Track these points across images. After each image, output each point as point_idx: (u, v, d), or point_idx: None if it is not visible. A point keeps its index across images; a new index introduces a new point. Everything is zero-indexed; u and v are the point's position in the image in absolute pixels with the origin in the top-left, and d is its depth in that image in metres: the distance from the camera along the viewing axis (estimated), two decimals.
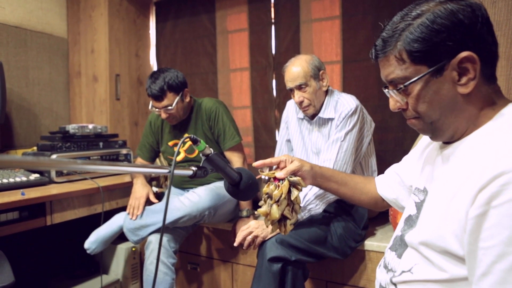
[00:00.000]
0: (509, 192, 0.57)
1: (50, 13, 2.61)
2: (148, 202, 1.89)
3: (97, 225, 1.84)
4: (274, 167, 1.10)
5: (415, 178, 0.94)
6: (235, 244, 1.54)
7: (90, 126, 2.23)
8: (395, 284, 0.80)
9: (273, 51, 2.51)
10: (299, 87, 1.62)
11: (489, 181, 0.60)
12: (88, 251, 1.80)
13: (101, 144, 2.25)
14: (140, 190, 1.89)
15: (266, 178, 1.05)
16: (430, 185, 0.82)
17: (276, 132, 2.53)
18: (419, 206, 0.83)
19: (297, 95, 1.63)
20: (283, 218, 1.02)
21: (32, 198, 1.59)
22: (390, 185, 1.07)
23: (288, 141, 1.90)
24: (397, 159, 1.10)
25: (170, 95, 1.82)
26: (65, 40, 2.72)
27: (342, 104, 1.61)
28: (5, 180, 1.71)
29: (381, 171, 1.29)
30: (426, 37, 0.69)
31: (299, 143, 1.81)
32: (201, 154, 0.87)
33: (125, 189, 2.05)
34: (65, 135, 2.11)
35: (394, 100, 0.78)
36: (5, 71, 2.12)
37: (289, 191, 1.00)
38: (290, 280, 1.40)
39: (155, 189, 2.15)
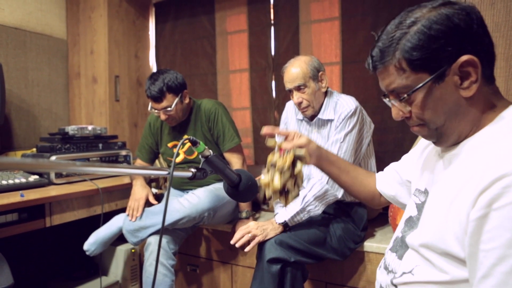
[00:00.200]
0: (510, 194, 0.57)
1: (50, 14, 2.61)
2: (148, 204, 1.88)
3: (97, 226, 1.84)
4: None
5: (413, 175, 0.95)
6: (232, 241, 1.54)
7: (90, 127, 2.23)
8: (395, 286, 0.80)
9: (273, 52, 2.51)
10: (298, 88, 1.62)
11: (491, 183, 0.60)
12: (87, 253, 1.79)
13: (100, 145, 2.25)
14: (140, 191, 1.89)
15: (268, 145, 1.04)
16: (431, 186, 0.82)
17: None
18: (420, 207, 0.83)
19: (296, 96, 1.63)
20: (284, 191, 1.01)
21: (31, 199, 1.59)
22: (389, 182, 1.07)
23: None
24: (397, 160, 1.11)
25: (169, 96, 1.82)
26: (65, 41, 2.72)
27: (342, 105, 1.61)
28: (4, 182, 1.71)
29: None
30: (424, 44, 0.68)
31: None
32: (200, 156, 0.87)
33: (125, 191, 2.04)
34: (65, 137, 2.11)
35: (397, 109, 0.77)
36: (4, 72, 2.12)
37: (293, 164, 1.00)
38: (289, 281, 1.39)
39: (154, 190, 2.15)
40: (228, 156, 1.94)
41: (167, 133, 2.01)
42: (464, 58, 0.67)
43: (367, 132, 1.67)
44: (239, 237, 1.53)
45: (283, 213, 1.52)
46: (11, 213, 1.57)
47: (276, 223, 1.52)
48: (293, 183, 1.00)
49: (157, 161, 2.31)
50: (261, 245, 1.48)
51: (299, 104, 1.64)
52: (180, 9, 2.83)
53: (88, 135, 2.21)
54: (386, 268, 0.86)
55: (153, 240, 1.76)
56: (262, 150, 2.59)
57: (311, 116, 1.70)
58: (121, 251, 2.17)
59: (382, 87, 0.78)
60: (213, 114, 1.92)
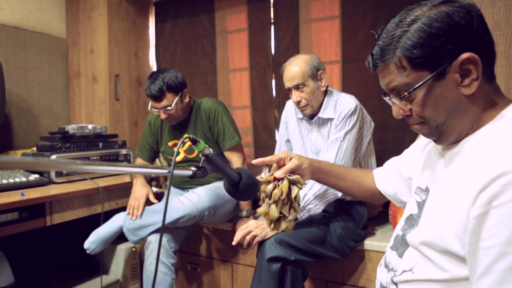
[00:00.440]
0: (510, 192, 0.57)
1: (49, 13, 2.61)
2: (148, 202, 1.89)
3: (97, 225, 1.84)
4: (274, 165, 1.10)
5: (414, 173, 0.95)
6: (234, 243, 1.54)
7: (90, 126, 2.23)
8: (396, 284, 0.80)
9: (273, 51, 2.51)
10: (297, 87, 1.62)
11: (491, 181, 0.60)
12: (88, 251, 1.80)
13: (100, 144, 2.25)
14: (140, 190, 1.89)
15: (267, 173, 1.05)
16: (432, 184, 0.82)
17: (276, 132, 2.53)
18: (420, 205, 0.83)
19: (295, 95, 1.63)
20: (283, 216, 1.02)
21: (31, 198, 1.59)
22: (389, 179, 1.07)
23: (288, 141, 1.90)
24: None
25: (169, 95, 1.82)
26: (65, 40, 2.72)
27: (342, 104, 1.61)
28: (4, 181, 1.71)
29: None
30: (425, 42, 0.68)
31: (299, 143, 1.81)
32: (200, 155, 0.87)
33: (125, 190, 2.04)
34: (65, 136, 2.11)
35: (397, 107, 0.77)
36: (4, 72, 2.12)
37: (289, 189, 1.00)
38: (289, 280, 1.39)
39: (154, 189, 2.15)
40: (228, 155, 1.94)
41: (167, 132, 2.01)
42: (465, 55, 0.68)
43: (367, 131, 1.67)
44: (239, 239, 1.53)
45: None
46: (11, 212, 1.58)
47: None
48: (288, 208, 1.00)
49: (157, 160, 2.31)
50: (261, 243, 1.48)
51: (297, 103, 1.64)
52: (180, 8, 2.83)
53: (88, 134, 2.21)
54: (386, 266, 0.86)
55: (154, 239, 1.76)
56: (262, 149, 2.59)
57: (311, 115, 1.70)
58: (122, 249, 2.17)
59: (382, 85, 0.78)
60: (213, 113, 1.92)
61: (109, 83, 2.62)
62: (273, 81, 2.52)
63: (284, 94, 2.42)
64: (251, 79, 2.60)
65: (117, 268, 2.19)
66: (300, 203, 1.06)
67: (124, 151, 2.34)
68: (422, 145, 0.96)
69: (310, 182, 1.53)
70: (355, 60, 2.23)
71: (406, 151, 1.06)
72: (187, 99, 1.91)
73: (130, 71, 2.80)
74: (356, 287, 1.68)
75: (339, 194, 1.54)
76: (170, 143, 2.01)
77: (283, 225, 1.02)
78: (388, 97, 0.79)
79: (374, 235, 1.75)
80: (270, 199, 0.99)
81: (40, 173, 1.90)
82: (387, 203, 1.79)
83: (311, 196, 1.49)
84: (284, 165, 1.05)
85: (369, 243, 1.66)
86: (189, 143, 0.83)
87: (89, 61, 2.67)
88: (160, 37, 2.95)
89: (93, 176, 2.03)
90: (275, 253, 1.38)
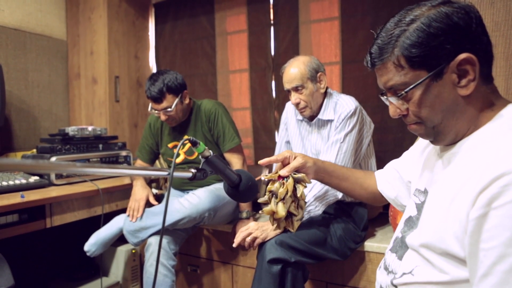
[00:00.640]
0: (510, 193, 0.57)
1: (49, 15, 2.61)
2: (148, 204, 1.88)
3: (97, 227, 1.84)
4: (275, 165, 1.10)
5: (414, 176, 0.95)
6: (234, 245, 1.54)
7: (90, 128, 2.23)
8: (395, 286, 0.80)
9: (272, 52, 2.51)
10: (296, 89, 1.62)
11: (490, 182, 0.60)
12: (88, 254, 1.80)
13: (100, 146, 2.25)
14: (140, 192, 1.89)
15: (267, 173, 1.06)
16: (430, 186, 0.82)
17: (276, 133, 2.53)
18: (419, 207, 0.83)
19: (294, 97, 1.64)
20: (289, 215, 1.02)
21: (31, 200, 1.59)
22: (390, 181, 1.07)
23: (288, 142, 1.90)
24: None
25: (169, 97, 1.82)
26: (64, 42, 2.72)
27: (341, 106, 1.61)
28: (4, 183, 1.71)
29: None
30: (423, 41, 0.69)
31: (299, 145, 1.80)
32: (200, 156, 0.87)
33: (125, 191, 2.04)
34: (65, 137, 2.11)
35: (394, 106, 0.78)
36: (4, 74, 2.12)
37: (294, 188, 1.00)
38: (290, 281, 1.39)
39: (154, 191, 2.15)
40: (228, 156, 1.94)
41: (167, 134, 2.01)
42: (463, 56, 0.68)
43: (367, 132, 1.67)
44: (240, 241, 1.53)
45: None
46: (11, 214, 1.57)
47: None
48: (296, 206, 1.01)
49: (157, 162, 2.31)
50: (262, 245, 1.48)
51: (296, 105, 1.65)
52: (180, 10, 2.83)
53: (88, 136, 2.21)
54: (386, 268, 0.86)
55: (154, 241, 1.76)
56: (262, 150, 2.59)
57: (311, 116, 1.70)
58: (122, 251, 2.17)
59: (380, 84, 0.78)
60: (213, 115, 1.92)
61: (109, 84, 2.62)
62: (273, 82, 2.52)
63: (284, 95, 2.42)
64: (251, 80, 2.60)
65: (117, 270, 2.19)
66: (306, 201, 1.06)
67: (124, 153, 2.34)
68: (421, 147, 0.96)
69: (311, 182, 1.53)
70: (355, 61, 2.23)
71: (405, 154, 1.06)
72: (187, 101, 1.91)
73: (130, 73, 2.80)
74: None
75: (339, 196, 1.54)
76: (170, 145, 2.01)
77: (289, 224, 1.02)
78: (385, 97, 0.79)
79: (374, 237, 1.75)
80: (276, 197, 0.99)
81: (40, 175, 1.90)
82: (387, 205, 1.79)
83: (311, 198, 1.49)
84: (288, 164, 1.05)
85: (370, 245, 1.66)
86: (189, 144, 0.83)
87: (89, 63, 2.67)
88: (160, 38, 2.95)
89: (93, 178, 2.03)
90: (275, 255, 1.38)
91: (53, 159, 1.93)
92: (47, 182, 1.88)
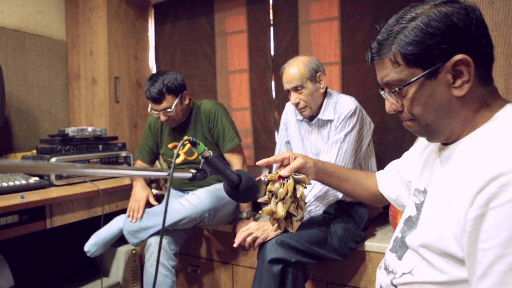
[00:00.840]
0: (507, 193, 0.58)
1: (49, 16, 2.61)
2: (148, 205, 1.89)
3: (97, 227, 1.84)
4: (275, 165, 1.10)
5: (414, 176, 0.95)
6: (235, 245, 1.54)
7: (90, 128, 2.23)
8: (395, 286, 0.80)
9: (272, 53, 2.51)
10: (295, 89, 1.63)
11: (487, 182, 0.60)
12: (88, 254, 1.80)
13: (100, 146, 2.25)
14: (140, 192, 1.89)
15: (267, 173, 1.06)
16: (429, 186, 0.82)
17: (276, 133, 2.53)
18: (419, 207, 0.83)
19: (293, 97, 1.64)
20: (289, 216, 1.02)
21: (31, 201, 1.59)
22: (390, 182, 1.07)
23: (288, 142, 1.90)
24: (397, 159, 1.10)
25: (169, 97, 1.82)
26: (64, 43, 2.72)
27: (341, 106, 1.62)
28: (4, 184, 1.71)
29: None
30: (420, 40, 0.69)
31: (299, 145, 1.81)
32: (200, 157, 0.87)
33: (125, 192, 2.04)
34: (65, 138, 2.11)
35: (390, 102, 0.79)
36: (4, 75, 2.12)
37: (294, 188, 1.00)
38: (290, 281, 1.39)
39: (154, 191, 2.15)
40: (228, 156, 1.94)
41: (167, 134, 2.01)
42: (458, 57, 0.68)
43: (367, 132, 1.67)
44: (240, 241, 1.53)
45: None
46: (11, 215, 1.57)
47: None
48: (295, 207, 1.01)
49: (157, 162, 2.31)
50: (262, 245, 1.48)
51: (296, 105, 1.65)
52: (179, 10, 2.83)
53: (88, 137, 2.21)
54: (386, 268, 0.86)
55: (154, 241, 1.76)
56: (262, 151, 2.59)
57: (311, 116, 1.70)
58: (122, 252, 2.17)
59: (378, 79, 0.79)
60: (213, 115, 1.92)
61: (109, 85, 2.62)
62: (273, 83, 2.52)
63: (284, 95, 2.42)
64: (251, 81, 2.60)
65: (117, 270, 2.19)
66: (305, 201, 1.06)
67: (124, 153, 2.34)
68: (421, 147, 0.96)
69: (311, 183, 1.53)
70: (355, 61, 2.24)
71: (405, 154, 1.06)
72: (186, 101, 1.91)
73: (129, 73, 2.80)
74: None
75: (340, 196, 1.54)
76: (170, 145, 2.01)
77: (289, 225, 1.02)
78: (383, 91, 0.79)
79: (374, 236, 1.75)
80: (276, 198, 0.99)
81: (40, 176, 1.90)
82: (387, 204, 1.79)
83: (311, 198, 1.49)
84: (288, 164, 1.05)
85: (370, 244, 1.66)
86: (189, 145, 0.84)
87: (89, 63, 2.67)
88: (160, 39, 2.95)
89: (93, 178, 2.03)
90: (276, 255, 1.38)
91: (53, 160, 1.93)
92: (47, 183, 1.88)
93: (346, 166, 1.56)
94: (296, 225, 1.03)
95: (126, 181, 2.09)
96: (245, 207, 1.91)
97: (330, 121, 1.64)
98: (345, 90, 2.26)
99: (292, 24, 2.42)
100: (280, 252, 1.39)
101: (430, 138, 0.80)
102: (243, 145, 2.10)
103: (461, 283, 0.67)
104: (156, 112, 1.86)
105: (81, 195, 1.81)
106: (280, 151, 1.95)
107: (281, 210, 0.98)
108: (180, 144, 0.82)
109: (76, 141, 2.14)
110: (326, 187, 1.50)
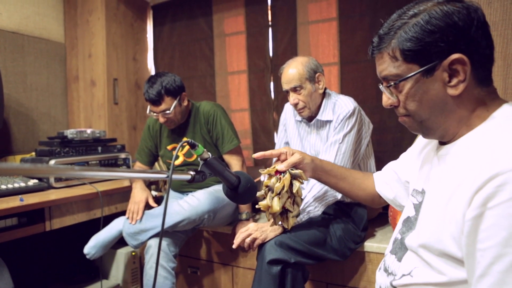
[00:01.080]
0: (505, 193, 0.58)
1: (47, 18, 2.61)
2: (148, 206, 1.88)
3: (97, 230, 1.84)
4: (274, 160, 1.11)
5: (412, 176, 0.95)
6: (234, 246, 1.54)
7: (89, 130, 2.23)
8: (395, 287, 0.80)
9: (271, 54, 2.51)
10: (294, 90, 1.63)
11: (485, 182, 0.60)
12: (87, 256, 1.79)
13: (99, 148, 2.25)
14: (139, 194, 1.89)
15: (266, 177, 1.05)
16: (427, 186, 0.82)
17: (275, 134, 2.53)
18: (417, 208, 0.83)
19: (292, 97, 1.64)
20: (284, 211, 1.02)
21: (31, 204, 1.58)
22: (388, 183, 1.07)
23: (287, 143, 1.90)
24: (396, 160, 1.11)
25: (167, 99, 1.81)
26: (63, 45, 2.72)
27: (340, 106, 1.62)
28: (3, 186, 1.71)
29: None
30: (419, 36, 0.70)
31: (298, 146, 1.81)
32: (199, 159, 0.87)
33: (124, 194, 2.04)
34: (64, 140, 2.10)
35: (387, 96, 0.79)
36: (2, 77, 2.11)
37: (291, 184, 1.01)
38: (290, 282, 1.39)
39: (154, 193, 2.15)
40: (228, 158, 1.94)
41: (166, 136, 2.01)
42: (455, 56, 0.68)
43: (366, 133, 1.67)
44: (239, 242, 1.53)
45: None
46: (10, 217, 1.57)
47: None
48: (291, 203, 1.01)
49: (156, 164, 2.31)
50: (261, 246, 1.48)
51: (295, 105, 1.65)
52: (178, 11, 2.83)
53: (87, 139, 2.21)
54: (385, 270, 0.86)
55: (153, 243, 1.76)
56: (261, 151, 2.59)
57: (310, 117, 1.70)
58: (122, 254, 2.17)
59: (377, 73, 0.80)
60: (212, 116, 1.92)
61: (108, 87, 2.62)
62: (272, 84, 2.52)
63: (283, 96, 2.42)
64: (250, 82, 2.60)
65: (117, 272, 2.18)
66: (302, 198, 1.06)
67: (123, 155, 2.34)
68: (419, 148, 0.96)
69: (310, 184, 1.53)
70: (353, 61, 2.24)
71: (403, 155, 1.06)
72: (185, 103, 1.91)
73: (128, 75, 2.80)
74: None
75: (339, 196, 1.54)
76: (169, 147, 2.01)
77: (285, 220, 1.02)
78: (381, 85, 0.80)
79: (374, 237, 1.75)
80: (272, 192, 0.99)
81: (39, 178, 1.90)
82: (386, 205, 1.79)
83: (310, 198, 1.49)
84: (286, 160, 1.05)
85: (369, 245, 1.66)
86: (188, 146, 0.84)
87: (88, 65, 2.67)
88: (158, 40, 2.95)
89: (92, 180, 2.03)
90: (275, 256, 1.38)
91: (52, 162, 1.93)
92: (46, 185, 1.88)
93: (345, 166, 1.56)
94: (291, 221, 1.03)
95: (126, 183, 2.09)
96: (244, 208, 1.91)
97: (329, 121, 1.64)
98: (344, 90, 2.26)
99: (291, 25, 2.43)
100: (279, 253, 1.39)
101: (425, 135, 0.81)
102: (242, 146, 2.10)
103: (460, 284, 0.67)
104: (154, 114, 1.86)
105: (80, 197, 1.81)
106: None
107: (276, 205, 0.98)
108: (179, 145, 0.82)
109: (75, 143, 2.14)
110: (325, 188, 1.50)
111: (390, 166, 1.10)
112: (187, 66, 2.83)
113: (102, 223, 1.85)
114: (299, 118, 1.77)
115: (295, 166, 1.05)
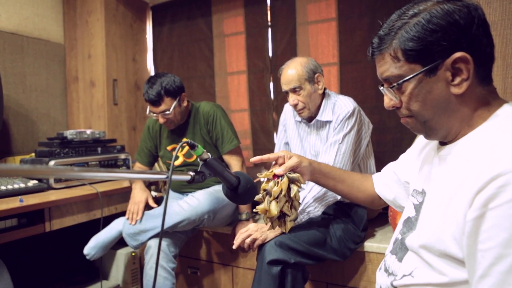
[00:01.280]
0: (506, 194, 0.57)
1: (46, 19, 2.61)
2: (147, 207, 1.88)
3: (97, 230, 1.84)
4: (272, 163, 1.10)
5: (411, 176, 0.95)
6: (234, 247, 1.54)
7: (88, 131, 2.23)
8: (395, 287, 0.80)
9: (270, 54, 2.51)
10: (294, 90, 1.63)
11: (486, 183, 0.60)
12: (87, 257, 1.79)
13: (99, 149, 2.25)
14: (139, 195, 1.89)
15: (265, 179, 1.05)
16: (428, 186, 0.82)
17: (274, 134, 2.53)
18: (417, 208, 0.83)
19: (292, 98, 1.64)
20: (282, 215, 1.02)
21: (30, 204, 1.58)
22: (388, 184, 1.07)
23: (287, 143, 1.90)
24: (395, 160, 1.11)
25: (167, 100, 1.81)
26: (62, 45, 2.72)
27: (340, 107, 1.62)
28: (3, 187, 1.70)
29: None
30: (421, 36, 0.69)
31: (297, 146, 1.81)
32: (198, 159, 0.87)
33: (124, 194, 2.04)
34: (63, 141, 2.10)
35: (389, 98, 0.79)
36: (2, 78, 2.11)
37: (288, 188, 1.00)
38: (290, 282, 1.39)
39: (154, 193, 2.15)
40: (227, 158, 1.94)
41: (166, 137, 2.01)
42: (458, 54, 0.68)
43: (365, 133, 1.67)
44: (239, 242, 1.53)
45: None
46: (10, 218, 1.57)
47: None
48: (289, 207, 1.01)
49: (156, 164, 2.31)
50: (261, 246, 1.48)
51: (294, 106, 1.65)
52: (177, 12, 2.83)
53: (86, 139, 2.20)
54: (386, 270, 0.86)
55: (153, 243, 1.76)
56: (261, 152, 2.59)
57: (310, 117, 1.70)
58: (122, 254, 2.17)
59: (378, 74, 0.79)
60: (211, 117, 1.92)
61: (107, 87, 2.62)
62: (271, 84, 2.52)
63: (282, 96, 2.42)
64: (249, 82, 2.60)
65: (117, 273, 2.18)
66: (300, 202, 1.06)
67: (122, 156, 2.33)
68: (419, 148, 0.96)
69: (310, 185, 1.53)
70: (353, 61, 2.24)
71: (402, 156, 1.06)
72: (185, 103, 1.91)
73: (128, 76, 2.80)
74: None
75: (338, 197, 1.54)
76: (169, 148, 2.01)
77: (282, 224, 1.02)
78: (382, 87, 0.80)
79: (374, 237, 1.75)
80: (270, 196, 0.99)
81: (39, 179, 1.89)
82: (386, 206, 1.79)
83: (310, 199, 1.49)
84: (283, 163, 1.05)
85: (369, 245, 1.66)
86: (187, 147, 0.84)
87: (87, 66, 2.67)
88: (158, 41, 2.95)
89: (92, 181, 2.03)
90: (275, 256, 1.38)
91: (52, 163, 1.92)
92: (46, 186, 1.88)
93: (345, 167, 1.56)
94: (289, 225, 1.03)
95: (125, 184, 2.09)
96: (244, 208, 1.91)
97: (329, 122, 1.64)
98: (343, 91, 2.26)
99: (290, 25, 2.43)
100: (279, 253, 1.39)
101: (428, 136, 0.80)
102: (242, 147, 2.10)
103: (461, 285, 0.67)
104: (154, 114, 1.86)
105: (80, 198, 1.81)
106: None
107: (274, 209, 0.98)
108: (178, 146, 0.82)
109: (75, 144, 2.13)
110: (325, 188, 1.50)
111: (390, 167, 1.10)
112: (187, 66, 2.83)
113: (102, 223, 1.85)
114: (298, 118, 1.77)
115: (293, 169, 1.05)
